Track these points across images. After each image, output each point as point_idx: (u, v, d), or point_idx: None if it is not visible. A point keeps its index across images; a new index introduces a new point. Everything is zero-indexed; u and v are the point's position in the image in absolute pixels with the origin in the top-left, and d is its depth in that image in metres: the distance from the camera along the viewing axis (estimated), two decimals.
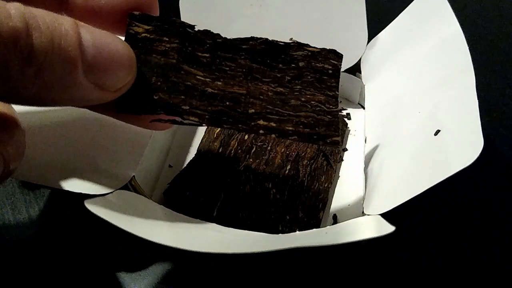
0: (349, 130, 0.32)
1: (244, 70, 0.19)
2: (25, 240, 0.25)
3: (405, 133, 0.25)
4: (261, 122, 0.19)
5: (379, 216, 0.21)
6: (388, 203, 0.21)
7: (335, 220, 0.27)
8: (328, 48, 0.21)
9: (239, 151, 0.28)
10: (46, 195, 0.27)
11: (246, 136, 0.29)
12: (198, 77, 0.18)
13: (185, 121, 0.18)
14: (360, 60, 0.32)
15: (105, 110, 0.18)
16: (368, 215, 0.22)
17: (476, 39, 0.37)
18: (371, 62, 0.32)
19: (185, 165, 0.28)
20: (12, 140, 0.15)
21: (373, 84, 0.32)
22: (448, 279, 0.24)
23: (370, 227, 0.20)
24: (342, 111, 0.34)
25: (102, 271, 0.24)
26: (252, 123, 0.19)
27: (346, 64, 0.32)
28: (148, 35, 0.17)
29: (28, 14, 0.12)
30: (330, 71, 0.20)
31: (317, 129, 0.19)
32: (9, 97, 0.12)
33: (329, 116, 0.20)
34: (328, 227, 0.26)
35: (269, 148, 0.28)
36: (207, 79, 0.18)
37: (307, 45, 0.20)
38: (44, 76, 0.12)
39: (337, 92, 0.20)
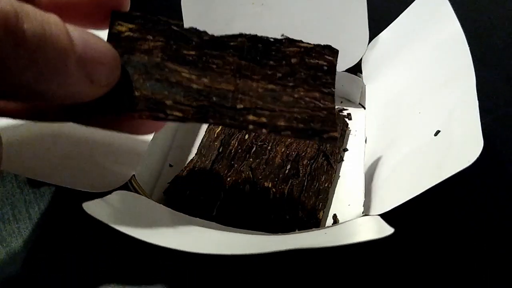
0: (350, 130, 0.32)
1: (232, 67, 0.18)
2: (25, 240, 0.25)
3: (405, 134, 0.25)
4: (250, 117, 0.18)
5: (379, 217, 0.21)
6: (388, 203, 0.21)
7: (335, 220, 0.27)
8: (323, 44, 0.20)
9: (239, 150, 0.28)
10: (46, 195, 0.28)
11: (247, 136, 0.29)
12: (183, 74, 0.17)
13: (168, 117, 0.17)
14: (361, 60, 0.32)
15: (90, 120, 0.18)
16: (368, 215, 0.22)
17: (477, 39, 0.37)
18: (372, 62, 0.32)
19: (185, 164, 0.28)
20: None
21: (374, 84, 0.32)
22: (448, 279, 0.24)
23: (369, 228, 0.20)
24: (343, 111, 0.34)
25: (102, 271, 0.24)
26: (241, 118, 0.18)
27: (347, 64, 0.33)
28: (132, 34, 0.17)
29: (15, 2, 0.12)
30: (325, 68, 0.19)
31: (312, 124, 0.18)
32: (6, 85, 0.12)
33: (324, 112, 0.18)
34: (327, 227, 0.26)
35: (269, 147, 0.28)
36: (193, 76, 0.17)
37: (300, 41, 0.19)
38: (39, 63, 0.12)
39: (333, 89, 0.19)
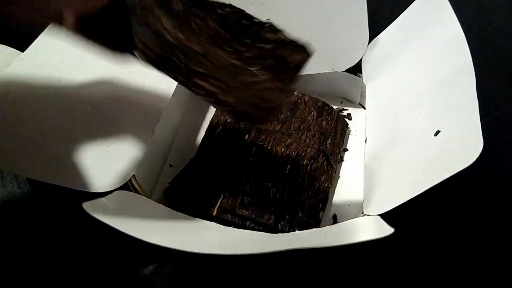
0: (350, 130, 0.32)
1: (210, 33, 0.19)
2: (25, 240, 0.25)
3: (405, 134, 0.25)
4: (204, 83, 0.19)
5: (379, 217, 0.21)
6: (388, 203, 0.21)
7: (335, 220, 0.27)
8: (299, 43, 0.20)
9: (240, 150, 0.28)
10: (46, 195, 0.28)
11: (247, 136, 0.29)
12: (163, 21, 0.18)
13: (132, 52, 0.19)
14: (361, 60, 0.32)
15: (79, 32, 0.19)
16: (368, 215, 0.22)
17: (477, 39, 0.37)
18: (372, 63, 0.32)
19: (185, 164, 0.28)
20: None
21: (374, 84, 0.32)
22: (448, 279, 0.24)
23: (369, 228, 0.20)
24: (343, 111, 0.34)
25: (102, 271, 0.24)
26: (194, 80, 0.19)
27: (347, 64, 0.33)
28: None
29: None
30: (291, 65, 0.20)
31: (251, 110, 0.19)
32: None
33: (270, 104, 0.19)
34: (327, 227, 0.26)
35: (269, 147, 0.28)
36: (170, 28, 0.18)
37: (282, 31, 0.19)
38: None
39: (291, 86, 0.20)
